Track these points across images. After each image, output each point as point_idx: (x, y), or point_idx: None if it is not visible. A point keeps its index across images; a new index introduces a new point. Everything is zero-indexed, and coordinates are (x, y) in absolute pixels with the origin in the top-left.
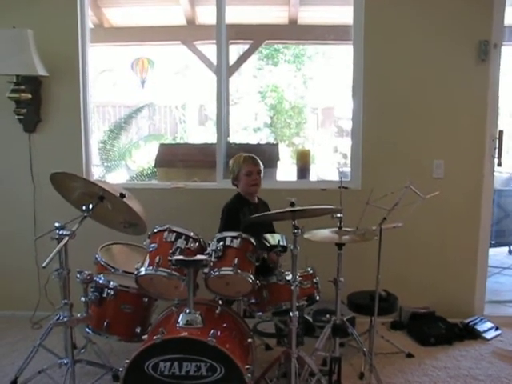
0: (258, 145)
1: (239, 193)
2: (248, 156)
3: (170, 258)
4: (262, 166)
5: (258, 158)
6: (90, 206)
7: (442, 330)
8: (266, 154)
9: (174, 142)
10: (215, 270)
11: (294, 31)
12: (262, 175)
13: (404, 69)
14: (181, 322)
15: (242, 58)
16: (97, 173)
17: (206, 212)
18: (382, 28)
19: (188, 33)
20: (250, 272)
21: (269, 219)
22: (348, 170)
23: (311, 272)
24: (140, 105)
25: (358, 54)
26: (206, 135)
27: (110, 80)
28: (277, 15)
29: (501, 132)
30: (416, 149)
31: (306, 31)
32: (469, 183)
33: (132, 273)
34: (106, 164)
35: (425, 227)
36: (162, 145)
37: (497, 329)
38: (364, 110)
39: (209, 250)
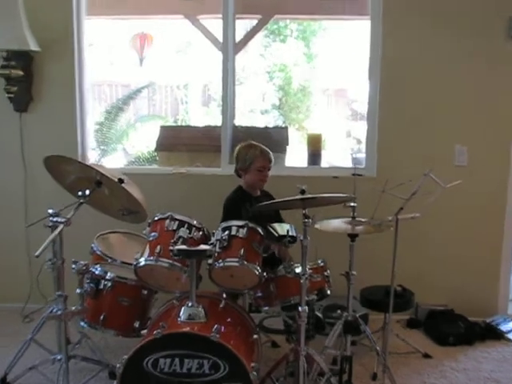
0: (266, 128)
1: (241, 186)
2: (266, 150)
3: (171, 247)
4: (273, 162)
5: (272, 154)
6: (87, 192)
7: (461, 329)
8: (274, 138)
9: (175, 125)
10: (220, 261)
11: (306, 5)
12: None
13: (426, 47)
14: (182, 317)
15: (250, 35)
16: (92, 157)
17: (210, 199)
18: (403, 2)
19: (191, 6)
20: (256, 264)
21: (277, 208)
22: (362, 156)
23: (322, 264)
24: (139, 84)
25: (376, 30)
26: (210, 117)
27: (106, 56)
28: None
29: None
30: (437, 134)
31: (318, 5)
32: (494, 172)
33: (131, 263)
34: (102, 147)
35: (444, 219)
36: (163, 127)
37: None
38: (381, 92)
39: (213, 239)
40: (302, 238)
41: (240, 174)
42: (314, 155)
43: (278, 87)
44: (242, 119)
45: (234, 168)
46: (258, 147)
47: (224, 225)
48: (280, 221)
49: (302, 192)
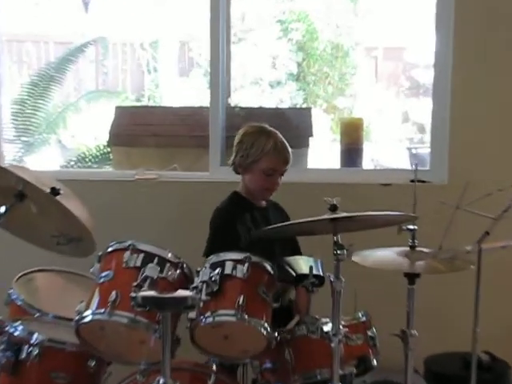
0: (278, 110)
1: (237, 192)
2: (282, 144)
3: (133, 294)
4: (290, 163)
5: (290, 152)
6: (1, 210)
7: None
8: (292, 126)
9: (139, 105)
10: (207, 314)
11: None
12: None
13: None
14: None
15: None
16: (10, 153)
17: (193, 219)
18: None
19: None
20: (263, 318)
21: (294, 233)
22: (426, 151)
23: (364, 319)
24: (82, 41)
25: None
26: (192, 93)
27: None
28: None
29: None
30: None
31: None
32: None
33: (70, 319)
34: (24, 139)
35: None
36: (120, 109)
37: None
38: (455, 53)
39: (197, 281)
40: (332, 278)
41: (238, 171)
42: (352, 151)
43: (297, 46)
44: (240, 96)
45: (229, 171)
46: (273, 137)
47: (214, 259)
48: (298, 252)
49: (333, 208)
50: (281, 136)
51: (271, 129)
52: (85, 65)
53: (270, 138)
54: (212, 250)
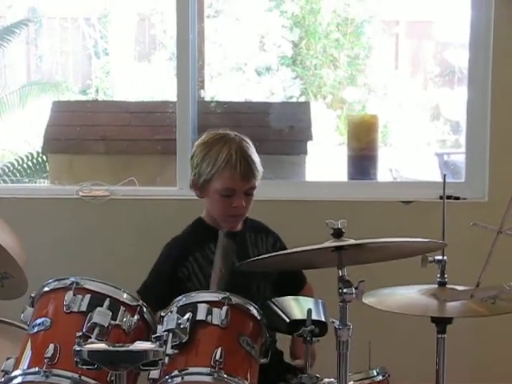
0: (267, 105)
1: (201, 219)
2: (238, 153)
3: (77, 347)
4: (259, 176)
5: (255, 162)
6: None
7: None
8: (285, 126)
9: (84, 99)
10: (174, 373)
11: None
12: (253, 192)
13: None
14: None
15: None
16: None
17: (155, 249)
18: None
19: None
20: (247, 378)
21: (284, 266)
22: (460, 159)
23: (380, 378)
24: (11, 18)
25: None
26: (154, 83)
27: None
28: None
29: None
30: None
31: None
32: None
33: None
34: None
35: None
36: (58, 104)
37: None
38: (496, 28)
39: (161, 330)
40: (337, 325)
41: (197, 195)
42: (363, 158)
43: (292, 20)
44: (218, 87)
45: None
46: (228, 146)
47: (182, 301)
48: (292, 290)
49: (338, 234)
50: (245, 143)
51: (234, 135)
52: (13, 47)
53: (224, 147)
54: (146, 286)
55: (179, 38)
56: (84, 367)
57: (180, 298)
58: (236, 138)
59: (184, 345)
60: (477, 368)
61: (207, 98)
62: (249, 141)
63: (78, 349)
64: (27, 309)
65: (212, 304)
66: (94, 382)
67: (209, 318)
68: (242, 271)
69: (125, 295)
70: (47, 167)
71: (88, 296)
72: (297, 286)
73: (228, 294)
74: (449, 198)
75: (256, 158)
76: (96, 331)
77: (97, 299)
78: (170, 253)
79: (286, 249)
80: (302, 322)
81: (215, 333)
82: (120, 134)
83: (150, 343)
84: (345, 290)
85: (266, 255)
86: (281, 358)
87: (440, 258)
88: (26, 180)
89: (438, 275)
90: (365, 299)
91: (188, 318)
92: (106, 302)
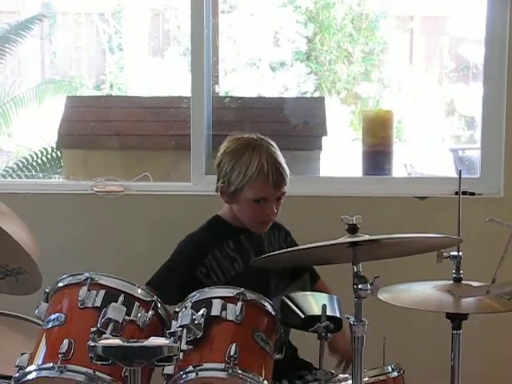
0: (282, 100)
1: (219, 217)
2: (270, 162)
3: (91, 343)
4: (288, 180)
5: (285, 169)
6: None
7: None
8: (299, 122)
9: (98, 95)
10: (189, 368)
11: None
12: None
13: None
14: None
15: None
16: None
17: (169, 244)
18: None
19: None
20: (262, 374)
21: (298, 262)
22: (475, 154)
23: (395, 374)
24: (24, 14)
25: None
26: (168, 78)
27: None
28: None
29: None
30: None
31: None
32: None
33: (8, 376)
34: None
35: None
36: (72, 99)
37: None
38: None
39: (175, 325)
40: (352, 321)
41: (225, 200)
42: (378, 154)
43: (307, 16)
44: (232, 82)
45: (215, 181)
46: (257, 154)
47: (197, 296)
48: (306, 286)
49: (353, 229)
50: (272, 149)
51: (259, 140)
52: (26, 44)
53: (253, 156)
54: (159, 278)
55: (193, 34)
56: (98, 363)
57: (194, 293)
58: (263, 143)
59: (198, 340)
60: (492, 364)
61: (221, 94)
62: (274, 144)
63: (93, 344)
64: (42, 304)
65: (227, 300)
66: (108, 377)
67: (223, 313)
68: (259, 267)
69: (139, 291)
70: (61, 163)
71: (102, 291)
72: (311, 280)
73: (243, 289)
74: (464, 193)
75: (284, 163)
76: (110, 327)
77: (111, 295)
78: (185, 252)
79: (296, 244)
80: (317, 318)
81: (230, 328)
82: (134, 129)
83: (164, 339)
84: (360, 286)
85: (282, 251)
86: (295, 354)
87: (455, 253)
88: (41, 175)
89: (454, 271)
90: (380, 295)
91: (203, 314)
92: (121, 298)
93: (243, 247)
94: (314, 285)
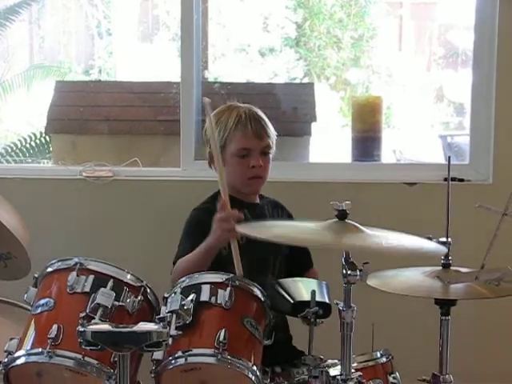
0: (271, 86)
1: (219, 191)
2: (248, 114)
3: (80, 328)
4: (273, 137)
5: (266, 122)
6: None
7: None
8: (289, 107)
9: (87, 80)
10: (178, 354)
11: None
12: (271, 156)
13: None
14: None
15: None
16: None
17: (159, 229)
18: None
19: None
20: (251, 360)
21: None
22: (465, 140)
23: (383, 360)
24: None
25: None
26: (157, 63)
27: None
28: None
29: None
30: None
31: None
32: None
33: None
34: None
35: None
36: (61, 84)
37: None
38: (502, 9)
39: (164, 311)
40: (341, 307)
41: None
42: (367, 140)
43: (297, 1)
44: (221, 68)
45: (205, 167)
46: (236, 110)
47: (186, 281)
48: (296, 272)
49: (342, 215)
50: (252, 108)
51: (240, 104)
52: (15, 29)
53: (233, 112)
54: (183, 254)
55: (183, 19)
56: (87, 348)
57: (184, 278)
58: (245, 104)
59: (188, 326)
60: (480, 350)
61: (211, 79)
62: (258, 109)
63: (82, 329)
64: (30, 289)
65: (216, 285)
66: (97, 362)
67: (212, 299)
68: (259, 243)
69: (128, 276)
70: (50, 148)
71: (92, 277)
72: (303, 265)
73: (232, 275)
74: (453, 179)
75: (266, 119)
76: (99, 312)
77: (100, 280)
78: (199, 219)
79: None
80: (306, 304)
81: (219, 314)
82: (123, 114)
83: (153, 324)
84: (349, 272)
85: (279, 222)
86: (289, 343)
87: (444, 239)
88: (29, 160)
89: (442, 257)
90: (369, 281)
91: (192, 299)
92: (110, 283)
93: (247, 220)
94: (307, 270)
